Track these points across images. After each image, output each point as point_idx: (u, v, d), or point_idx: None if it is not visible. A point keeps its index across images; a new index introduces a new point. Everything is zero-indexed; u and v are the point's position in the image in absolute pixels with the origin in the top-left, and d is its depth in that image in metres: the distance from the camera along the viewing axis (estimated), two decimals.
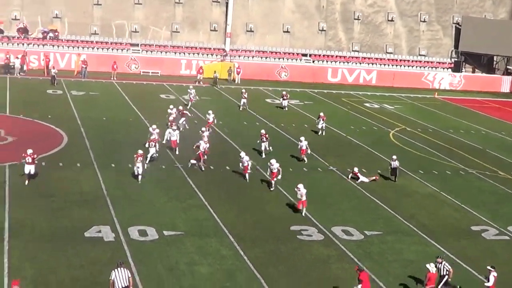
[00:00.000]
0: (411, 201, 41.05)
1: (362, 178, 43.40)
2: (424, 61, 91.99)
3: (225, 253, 31.19)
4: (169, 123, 48.91)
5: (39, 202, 35.55)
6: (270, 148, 47.51)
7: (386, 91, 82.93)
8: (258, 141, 47.95)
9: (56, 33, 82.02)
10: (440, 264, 27.89)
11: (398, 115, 68.57)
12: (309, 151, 47.12)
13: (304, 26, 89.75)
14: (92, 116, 56.08)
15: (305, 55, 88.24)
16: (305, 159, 46.85)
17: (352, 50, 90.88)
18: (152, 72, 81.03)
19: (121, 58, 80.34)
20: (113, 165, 42.19)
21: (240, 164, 41.79)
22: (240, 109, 63.50)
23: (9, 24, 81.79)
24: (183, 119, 52.55)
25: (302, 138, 47.32)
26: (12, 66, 73.71)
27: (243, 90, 65.20)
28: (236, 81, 79.88)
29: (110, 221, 33.69)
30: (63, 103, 61.51)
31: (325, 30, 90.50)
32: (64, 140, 48.13)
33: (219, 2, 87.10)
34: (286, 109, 65.79)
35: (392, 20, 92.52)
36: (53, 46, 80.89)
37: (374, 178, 43.79)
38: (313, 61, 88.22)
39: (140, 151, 40.50)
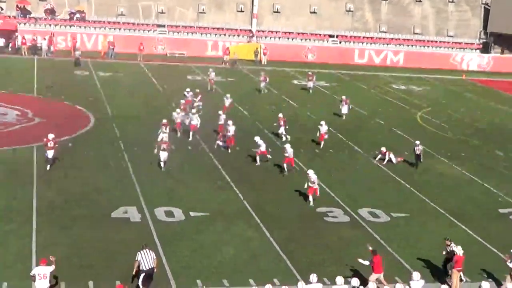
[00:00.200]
0: (438, 183, 40.85)
1: (391, 157, 43.11)
2: (452, 42, 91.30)
3: (251, 234, 31.23)
4: (181, 107, 48.08)
5: (66, 183, 35.78)
6: (288, 137, 46.52)
7: (414, 72, 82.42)
8: (275, 124, 47.64)
9: (83, 14, 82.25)
10: (449, 247, 27.66)
11: (425, 96, 68.18)
12: (326, 136, 46.03)
13: (331, 7, 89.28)
14: (118, 97, 56.26)
15: (332, 36, 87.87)
16: (322, 144, 45.74)
17: (380, 31, 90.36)
18: (178, 53, 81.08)
19: (148, 39, 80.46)
20: (139, 146, 42.29)
21: (255, 148, 41.50)
22: (262, 93, 62.64)
23: (36, 5, 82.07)
24: (199, 103, 51.26)
25: (323, 123, 46.34)
26: (39, 47, 74.14)
27: (262, 73, 64.54)
28: (263, 63, 79.77)
29: (136, 202, 33.84)
30: (89, 84, 61.75)
31: (352, 11, 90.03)
32: (91, 121, 48.36)
33: None
34: (311, 91, 65.19)
35: (420, 1, 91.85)
36: (80, 27, 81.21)
37: (400, 159, 43.59)
38: (340, 42, 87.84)
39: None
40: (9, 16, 79.71)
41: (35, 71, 65.42)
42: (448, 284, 25.69)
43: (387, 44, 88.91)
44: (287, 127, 46.90)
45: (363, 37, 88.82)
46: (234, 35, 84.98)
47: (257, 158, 41.23)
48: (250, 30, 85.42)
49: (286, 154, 39.52)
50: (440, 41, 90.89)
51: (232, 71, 73.20)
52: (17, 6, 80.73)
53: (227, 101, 52.26)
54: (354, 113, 57.01)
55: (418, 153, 42.69)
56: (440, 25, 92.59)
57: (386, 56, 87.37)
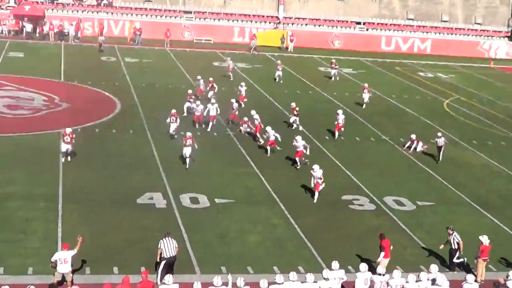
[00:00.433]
0: (464, 172, 40.55)
1: (419, 146, 42.82)
2: (480, 30, 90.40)
3: (276, 221, 31.16)
4: (188, 97, 47.43)
5: (92, 169, 35.86)
6: (300, 127, 45.83)
7: (441, 60, 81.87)
8: (290, 115, 46.60)
9: (110, 0, 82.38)
10: (451, 236, 27.38)
11: (452, 84, 67.69)
12: (342, 127, 44.75)
13: None
14: (145, 83, 56.32)
15: (358, 23, 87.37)
16: (339, 134, 44.68)
17: (407, 18, 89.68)
18: (205, 40, 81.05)
19: (175, 26, 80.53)
20: (165, 132, 42.30)
21: (265, 136, 40.88)
22: (276, 81, 61.14)
23: None
24: (211, 92, 50.39)
25: (340, 111, 45.34)
26: (67, 33, 74.36)
27: (279, 62, 63.87)
28: (289, 49, 79.58)
29: (162, 188, 33.86)
30: (116, 70, 61.88)
31: None
32: (117, 107, 48.45)
33: None
34: (333, 78, 64.42)
35: None
36: (107, 13, 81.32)
37: (425, 147, 43.20)
38: (367, 29, 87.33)
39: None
40: (37, 2, 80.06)
41: (62, 57, 65.67)
42: (474, 274, 25.45)
43: (414, 32, 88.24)
44: (297, 115, 46.04)
45: (390, 24, 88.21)
46: (260, 22, 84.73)
47: (268, 148, 40.45)
48: (276, 17, 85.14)
49: (298, 148, 38.39)
50: (468, 29, 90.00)
51: (259, 58, 73.01)
52: None
53: (243, 89, 51.14)
54: (381, 100, 56.74)
55: (440, 145, 41.80)
56: (468, 13, 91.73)
57: (413, 43, 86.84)
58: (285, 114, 49.32)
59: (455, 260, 27.29)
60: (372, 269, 24.45)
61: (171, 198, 32.58)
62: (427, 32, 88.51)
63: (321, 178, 33.58)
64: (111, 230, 28.82)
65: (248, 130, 43.27)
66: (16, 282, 23.26)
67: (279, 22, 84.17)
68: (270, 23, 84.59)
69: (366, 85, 54.97)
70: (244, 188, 34.94)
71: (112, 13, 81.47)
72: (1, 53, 65.08)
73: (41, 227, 28.58)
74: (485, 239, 26.72)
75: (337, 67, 65.19)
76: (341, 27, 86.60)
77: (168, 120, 41.40)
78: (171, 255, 24.55)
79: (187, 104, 45.78)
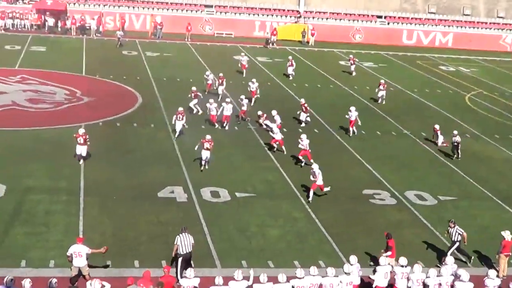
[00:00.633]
0: (486, 166, 40.29)
1: (439, 139, 42.49)
2: (502, 23, 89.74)
3: (297, 215, 31.11)
4: (192, 94, 46.20)
5: (113, 162, 35.93)
6: (309, 119, 45.33)
7: (462, 54, 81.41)
8: (298, 112, 45.51)
9: None
10: (452, 229, 27.21)
11: (474, 78, 67.27)
12: (359, 123, 44.10)
13: None
14: (166, 77, 56.35)
15: (380, 17, 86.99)
16: (354, 130, 43.90)
17: (428, 12, 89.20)
18: (226, 34, 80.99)
19: (195, 20, 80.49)
20: (186, 125, 42.31)
21: (271, 134, 40.00)
22: (290, 78, 60.00)
23: None
24: (222, 87, 50.03)
25: (353, 108, 44.18)
26: (88, 27, 74.57)
27: (290, 57, 62.83)
28: (310, 43, 79.42)
29: (183, 182, 33.88)
30: (138, 64, 61.95)
31: None
32: (139, 101, 48.50)
33: None
34: (354, 74, 63.78)
35: None
36: (128, 7, 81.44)
37: (445, 144, 42.75)
38: (388, 23, 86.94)
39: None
40: None
41: (84, 51, 65.80)
42: (496, 269, 25.28)
43: (436, 25, 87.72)
44: (308, 114, 45.41)
45: (412, 18, 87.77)
46: (281, 16, 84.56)
47: (274, 145, 39.69)
48: (297, 11, 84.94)
49: (302, 146, 37.51)
50: (490, 23, 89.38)
51: (280, 52, 72.89)
52: None
53: (253, 86, 50.08)
54: (402, 94, 56.54)
55: (455, 143, 41.10)
56: (490, 6, 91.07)
57: (434, 37, 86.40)
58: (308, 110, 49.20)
59: (449, 252, 26.94)
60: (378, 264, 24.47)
61: (192, 192, 32.59)
62: (448, 26, 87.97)
63: (316, 178, 32.57)
64: (132, 223, 28.87)
65: (267, 123, 42.89)
66: (38, 275, 23.40)
67: (300, 16, 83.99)
68: (291, 17, 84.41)
69: (382, 81, 54.29)
70: (265, 182, 34.89)
71: (133, 7, 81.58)
72: (24, 47, 65.35)
73: (63, 220, 28.69)
74: (507, 234, 26.55)
75: (355, 62, 64.65)
76: (362, 21, 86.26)
77: (174, 118, 40.71)
78: (187, 251, 24.50)
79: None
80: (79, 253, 23.37)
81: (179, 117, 40.45)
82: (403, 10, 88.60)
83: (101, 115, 44.13)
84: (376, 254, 25.50)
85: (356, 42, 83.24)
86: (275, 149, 39.44)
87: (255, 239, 28.44)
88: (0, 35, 70.53)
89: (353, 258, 23.90)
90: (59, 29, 75.01)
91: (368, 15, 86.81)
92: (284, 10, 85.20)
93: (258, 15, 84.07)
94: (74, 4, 79.90)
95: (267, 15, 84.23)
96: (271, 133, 39.69)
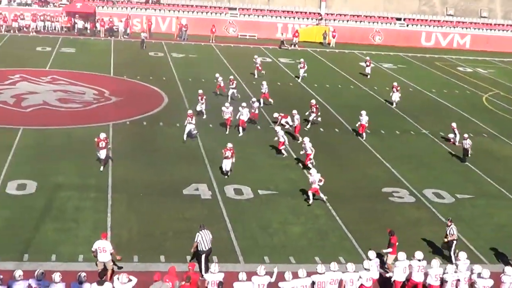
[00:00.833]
0: (503, 166, 40.01)
1: (457, 138, 42.21)
2: None
3: (318, 212, 31.05)
4: (199, 97, 44.97)
5: (140, 160, 36.05)
6: (319, 119, 44.75)
7: (480, 55, 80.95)
8: (307, 113, 44.40)
9: None
10: (448, 227, 27.01)
11: (491, 79, 66.84)
12: (366, 127, 43.10)
13: None
14: (191, 77, 56.42)
15: (399, 19, 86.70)
16: (364, 135, 42.69)
17: (447, 14, 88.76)
18: (249, 36, 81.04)
19: (220, 22, 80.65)
20: (210, 125, 42.33)
21: (276, 138, 39.05)
22: (299, 80, 59.04)
23: None
24: (232, 90, 49.03)
25: (363, 112, 42.90)
26: (116, 29, 74.89)
27: (302, 60, 61.81)
28: (331, 45, 79.27)
29: (207, 179, 33.92)
30: (164, 65, 62.10)
31: None
32: (165, 101, 48.60)
33: None
34: (369, 76, 62.88)
35: None
36: (154, 10, 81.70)
37: (459, 144, 42.41)
38: (407, 25, 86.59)
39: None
40: (88, 0, 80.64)
41: (112, 52, 66.07)
42: None
43: (454, 27, 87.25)
44: (319, 113, 44.79)
45: (430, 20, 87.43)
46: (303, 18, 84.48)
47: (282, 151, 38.58)
48: (319, 13, 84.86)
49: (308, 152, 36.23)
50: (507, 24, 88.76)
51: (302, 53, 72.79)
52: None
53: (263, 88, 49.05)
54: (420, 95, 56.33)
55: (466, 147, 39.61)
56: (507, 9, 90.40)
57: (452, 39, 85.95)
58: (326, 107, 49.15)
59: (451, 253, 26.85)
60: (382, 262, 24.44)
61: (216, 189, 32.62)
62: (466, 28, 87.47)
63: (313, 182, 31.59)
64: (158, 220, 28.96)
65: (288, 121, 42.72)
66: (67, 269, 23.55)
67: (321, 19, 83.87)
68: (312, 19, 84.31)
69: (395, 83, 53.00)
70: (287, 180, 34.84)
71: (159, 10, 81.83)
72: (54, 49, 65.73)
73: (92, 216, 28.83)
74: None
75: (371, 64, 63.96)
76: (382, 23, 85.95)
77: (186, 122, 39.73)
78: (208, 248, 24.57)
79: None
80: (104, 248, 23.51)
81: (189, 120, 39.55)
82: (421, 12, 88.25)
83: (129, 114, 44.29)
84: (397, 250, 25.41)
85: (376, 44, 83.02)
86: (284, 154, 38.65)
87: (277, 235, 28.42)
88: (32, 37, 71.01)
89: (372, 254, 23.90)
90: (88, 31, 75.41)
91: (387, 17, 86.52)
92: (305, 12, 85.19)
93: (281, 17, 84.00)
94: (103, 7, 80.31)
95: (289, 18, 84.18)
96: (276, 137, 38.81)
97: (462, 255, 24.33)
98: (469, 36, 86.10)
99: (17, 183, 31.67)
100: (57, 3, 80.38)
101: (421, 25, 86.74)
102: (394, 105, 51.67)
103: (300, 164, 36.93)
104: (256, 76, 58.33)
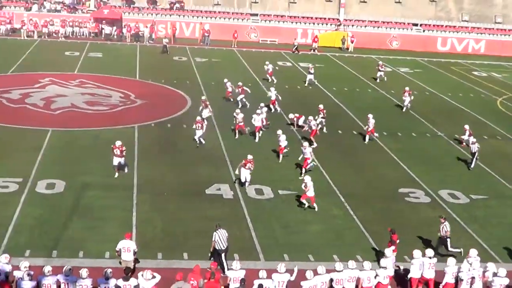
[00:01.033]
0: None
1: (470, 139, 41.92)
2: None
3: (336, 212, 31.03)
4: (202, 103, 43.70)
5: (164, 161, 36.16)
6: (324, 122, 43.26)
7: (494, 60, 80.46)
8: (316, 117, 43.00)
9: (182, 4, 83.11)
10: (442, 224, 26.90)
11: (505, 83, 66.42)
12: (374, 131, 42.53)
13: None
14: (214, 81, 56.48)
15: (415, 24, 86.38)
16: (372, 137, 42.08)
17: (462, 20, 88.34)
18: (270, 41, 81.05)
19: (242, 27, 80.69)
20: (232, 127, 42.37)
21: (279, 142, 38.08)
22: (306, 84, 58.20)
23: None
24: (241, 95, 48.18)
25: (370, 116, 42.36)
26: (142, 35, 75.17)
27: (310, 65, 61.14)
28: (350, 50, 79.13)
29: (229, 180, 33.95)
30: (187, 69, 62.22)
31: (435, 1, 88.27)
32: (188, 104, 48.69)
33: None
34: (378, 80, 61.84)
35: None
36: (179, 16, 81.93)
37: (463, 144, 42.12)
38: (424, 31, 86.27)
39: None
40: (115, 6, 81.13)
41: (137, 56, 66.31)
42: None
43: (469, 33, 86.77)
44: (324, 117, 43.59)
45: (446, 26, 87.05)
46: (322, 24, 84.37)
47: (280, 156, 37.67)
48: (337, 19, 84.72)
49: (305, 155, 35.54)
50: None
51: (321, 57, 72.73)
52: None
53: (271, 94, 48.24)
54: (436, 98, 56.14)
55: (474, 151, 38.55)
56: None
57: (467, 44, 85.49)
58: (344, 110, 49.10)
59: (450, 249, 26.73)
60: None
61: (237, 189, 32.65)
62: (481, 33, 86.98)
63: (307, 188, 30.75)
64: (181, 218, 29.05)
65: (304, 125, 42.55)
66: (94, 265, 23.63)
67: (340, 24, 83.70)
68: (331, 25, 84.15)
69: (407, 88, 52.33)
70: None
71: (183, 16, 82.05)
72: (82, 53, 66.06)
73: (118, 214, 28.97)
74: None
75: (383, 69, 63.23)
76: (399, 29, 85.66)
77: (194, 127, 39.23)
78: (225, 247, 24.67)
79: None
80: (128, 248, 23.66)
81: (198, 127, 38.95)
82: (437, 18, 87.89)
83: (153, 116, 44.45)
84: (411, 248, 25.27)
85: (393, 49, 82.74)
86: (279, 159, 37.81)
87: (296, 234, 28.43)
88: (61, 42, 71.40)
89: (389, 252, 23.91)
90: (115, 37, 75.72)
91: (404, 23, 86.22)
92: (325, 18, 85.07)
93: (301, 23, 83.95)
94: (129, 13, 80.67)
95: (309, 23, 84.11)
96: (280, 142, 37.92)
97: (473, 252, 24.33)
98: (484, 41, 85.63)
99: (47, 183, 31.89)
100: (85, 9, 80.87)
101: (437, 31, 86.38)
102: (405, 109, 51.00)
103: (319, 165, 36.91)
104: (270, 81, 57.65)
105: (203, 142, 39.10)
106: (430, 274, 23.86)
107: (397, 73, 66.75)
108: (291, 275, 22.10)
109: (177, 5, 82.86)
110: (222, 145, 39.45)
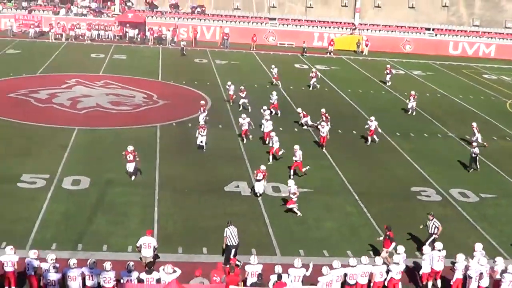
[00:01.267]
0: None
1: (478, 137, 41.67)
2: None
3: (350, 209, 30.95)
4: (201, 108, 42.29)
5: (185, 159, 36.20)
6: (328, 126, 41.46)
7: (504, 63, 79.95)
8: (317, 122, 42.22)
9: (203, 8, 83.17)
10: (431, 221, 26.65)
11: None
12: (379, 130, 42.30)
13: (428, 2, 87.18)
14: (233, 82, 56.35)
15: (428, 29, 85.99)
16: (375, 138, 41.52)
17: (473, 25, 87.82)
18: (287, 44, 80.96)
19: (260, 31, 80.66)
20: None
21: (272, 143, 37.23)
22: (311, 88, 56.96)
23: (162, 0, 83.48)
24: (244, 100, 47.32)
25: (373, 118, 41.81)
26: (164, 38, 75.38)
27: (313, 70, 60.61)
28: (364, 53, 78.91)
29: (247, 177, 33.93)
30: (208, 71, 62.26)
31: (447, 6, 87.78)
32: (208, 104, 48.71)
33: None
34: (388, 83, 61.03)
35: None
36: (200, 19, 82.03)
37: (484, 144, 41.92)
38: (436, 35, 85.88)
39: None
40: (139, 10, 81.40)
41: (160, 59, 66.46)
42: None
43: (480, 37, 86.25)
44: (329, 122, 42.14)
45: (457, 30, 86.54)
46: (338, 28, 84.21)
47: (270, 156, 36.72)
48: (352, 23, 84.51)
49: (295, 158, 34.42)
50: None
51: (337, 60, 72.59)
52: (145, 1, 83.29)
53: (274, 98, 47.28)
54: (448, 100, 55.89)
55: (474, 156, 37.74)
56: None
57: (478, 48, 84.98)
58: (359, 111, 48.97)
59: (426, 244, 26.21)
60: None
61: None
62: (491, 38, 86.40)
63: (294, 194, 29.66)
64: (201, 214, 29.07)
65: (307, 122, 42.36)
66: (117, 259, 23.71)
67: (355, 28, 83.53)
68: (346, 29, 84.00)
69: (413, 92, 51.25)
70: (321, 179, 34.72)
71: (204, 20, 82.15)
72: (107, 55, 66.29)
73: (140, 210, 29.06)
74: None
75: (392, 72, 62.52)
76: (412, 33, 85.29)
77: (197, 133, 38.06)
78: (236, 243, 24.65)
79: (201, 116, 41.19)
80: (149, 244, 23.75)
81: (201, 131, 37.85)
82: (449, 23, 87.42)
83: (175, 116, 44.53)
84: (422, 246, 25.15)
85: (406, 52, 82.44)
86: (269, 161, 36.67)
87: (311, 230, 28.39)
88: (87, 45, 71.67)
89: (401, 248, 23.86)
90: (139, 39, 75.88)
91: (417, 27, 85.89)
92: (340, 22, 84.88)
93: (317, 27, 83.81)
94: (152, 17, 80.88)
95: (325, 27, 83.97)
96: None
97: (478, 246, 24.32)
98: (494, 46, 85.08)
99: (72, 179, 32.03)
100: (110, 13, 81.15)
101: (449, 35, 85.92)
102: (410, 112, 50.26)
103: (334, 164, 36.85)
104: (274, 83, 57.19)
105: (205, 146, 37.95)
106: (439, 266, 23.92)
107: (410, 76, 66.48)
108: (307, 270, 22.08)
109: (198, 9, 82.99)
110: (240, 144, 39.43)
